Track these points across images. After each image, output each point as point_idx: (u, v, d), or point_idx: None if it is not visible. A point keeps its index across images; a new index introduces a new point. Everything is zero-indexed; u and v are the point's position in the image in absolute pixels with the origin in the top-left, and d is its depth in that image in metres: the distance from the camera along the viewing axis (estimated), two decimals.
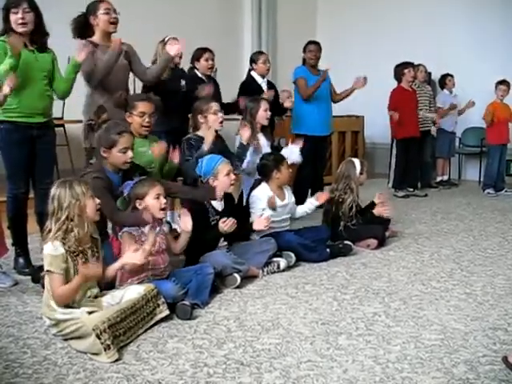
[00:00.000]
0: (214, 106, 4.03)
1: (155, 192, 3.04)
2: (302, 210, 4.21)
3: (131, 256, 2.76)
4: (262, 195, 3.93)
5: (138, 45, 4.23)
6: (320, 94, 5.49)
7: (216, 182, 3.55)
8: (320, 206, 4.71)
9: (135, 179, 3.15)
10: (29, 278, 3.42)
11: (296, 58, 5.71)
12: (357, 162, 4.43)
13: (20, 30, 3.39)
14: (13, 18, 3.37)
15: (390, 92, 6.63)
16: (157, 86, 4.23)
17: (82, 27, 3.93)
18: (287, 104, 5.18)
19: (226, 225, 3.39)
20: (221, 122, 4.05)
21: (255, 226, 3.66)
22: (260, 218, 3.69)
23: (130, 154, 3.20)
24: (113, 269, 2.78)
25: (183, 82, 4.56)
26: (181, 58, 4.56)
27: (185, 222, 3.19)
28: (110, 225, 3.93)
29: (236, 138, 4.49)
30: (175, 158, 3.77)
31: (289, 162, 4.18)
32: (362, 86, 5.58)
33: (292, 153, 4.51)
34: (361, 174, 4.37)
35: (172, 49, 4.06)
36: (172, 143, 4.12)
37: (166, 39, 4.48)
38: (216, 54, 4.92)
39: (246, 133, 4.14)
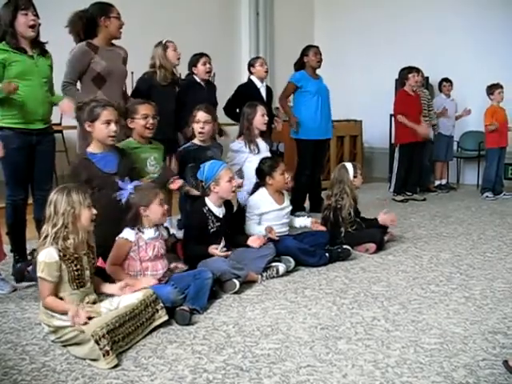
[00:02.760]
0: (199, 115, 4.01)
1: (159, 199, 3.06)
2: (299, 223, 4.20)
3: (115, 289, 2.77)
4: (259, 200, 3.94)
5: (136, 48, 4.24)
6: (319, 99, 5.53)
7: (217, 188, 3.55)
8: (317, 211, 4.73)
9: (130, 185, 3.12)
10: (28, 283, 3.39)
11: (294, 61, 5.72)
12: (349, 165, 4.42)
13: (30, 33, 3.40)
14: (22, 19, 3.35)
15: (395, 96, 6.65)
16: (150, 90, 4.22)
17: (88, 27, 3.86)
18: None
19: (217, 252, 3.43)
20: (200, 133, 3.99)
21: (250, 243, 3.61)
22: (255, 237, 3.65)
23: (113, 126, 3.21)
24: (110, 289, 2.81)
25: (177, 89, 4.56)
26: (179, 59, 4.55)
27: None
28: None
29: (233, 143, 4.50)
30: (175, 186, 3.71)
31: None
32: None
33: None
34: (355, 177, 4.35)
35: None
36: (165, 152, 4.10)
37: (164, 42, 4.48)
38: (213, 59, 4.93)
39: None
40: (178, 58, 4.56)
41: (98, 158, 3.26)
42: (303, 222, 4.21)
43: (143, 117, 3.64)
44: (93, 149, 3.29)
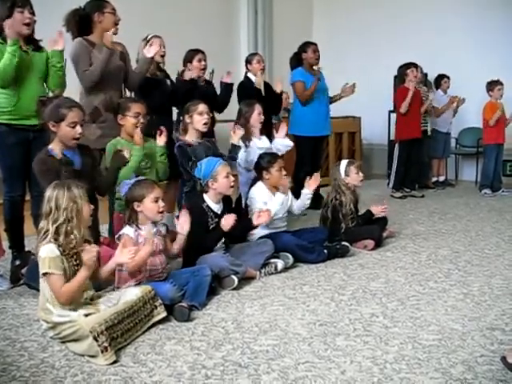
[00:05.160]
0: (201, 107, 3.98)
1: (154, 195, 3.03)
2: (299, 204, 4.17)
3: (122, 254, 2.73)
4: (258, 194, 3.96)
5: (134, 45, 4.22)
6: (317, 95, 5.52)
7: (215, 185, 3.55)
8: (315, 207, 4.73)
9: (132, 180, 3.14)
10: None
11: None
12: (343, 163, 4.43)
13: (25, 31, 3.40)
14: (19, 17, 3.36)
15: (395, 93, 6.64)
16: (142, 86, 4.18)
17: (82, 24, 3.86)
18: (284, 104, 5.19)
19: (226, 221, 3.42)
20: (205, 124, 3.98)
21: (256, 222, 3.61)
22: (259, 212, 3.63)
23: (78, 129, 3.16)
24: (106, 269, 2.77)
25: (168, 82, 4.51)
26: (163, 56, 4.49)
27: (182, 224, 3.22)
28: (104, 228, 3.95)
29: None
30: (161, 141, 3.73)
31: (284, 152, 4.30)
32: (351, 93, 5.64)
33: (280, 144, 4.54)
34: (347, 175, 4.34)
35: (149, 50, 4.02)
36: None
37: (149, 37, 4.43)
38: (212, 56, 4.90)
39: (236, 135, 4.13)
40: (162, 56, 4.45)
41: (70, 154, 3.20)
42: (302, 200, 4.16)
43: (135, 115, 3.61)
44: (55, 147, 3.20)
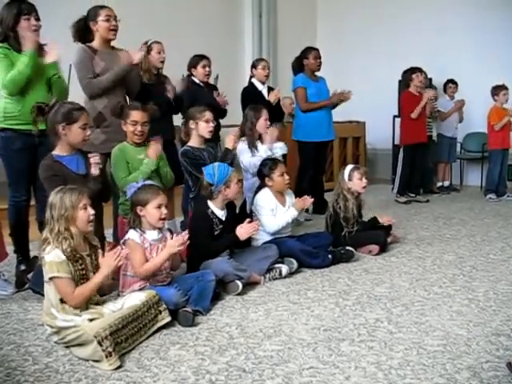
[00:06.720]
0: (208, 114, 3.97)
1: (158, 202, 3.03)
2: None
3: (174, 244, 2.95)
4: (265, 201, 3.95)
5: (136, 48, 4.24)
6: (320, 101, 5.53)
7: (227, 191, 3.55)
8: (320, 212, 4.72)
9: (140, 182, 3.15)
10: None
11: None
12: (347, 168, 4.42)
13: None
14: (25, 24, 3.41)
15: (400, 98, 6.63)
16: (140, 92, 4.17)
17: (83, 31, 3.91)
18: (288, 110, 5.20)
19: (245, 230, 3.42)
20: (210, 131, 3.96)
21: (240, 237, 3.47)
22: (246, 224, 3.50)
23: (88, 131, 3.22)
24: (156, 264, 2.96)
25: (169, 88, 4.51)
26: (163, 62, 4.50)
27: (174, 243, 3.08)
28: (109, 232, 3.96)
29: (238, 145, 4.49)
30: (151, 154, 3.64)
31: (281, 154, 4.38)
32: (348, 99, 5.61)
33: (275, 147, 4.55)
34: (350, 180, 4.32)
35: (135, 56, 3.97)
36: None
37: (149, 42, 4.45)
38: (216, 60, 4.92)
39: (230, 140, 4.04)
40: (162, 61, 4.46)
41: (66, 160, 3.22)
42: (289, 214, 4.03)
43: (132, 123, 3.63)
44: (59, 151, 3.22)
